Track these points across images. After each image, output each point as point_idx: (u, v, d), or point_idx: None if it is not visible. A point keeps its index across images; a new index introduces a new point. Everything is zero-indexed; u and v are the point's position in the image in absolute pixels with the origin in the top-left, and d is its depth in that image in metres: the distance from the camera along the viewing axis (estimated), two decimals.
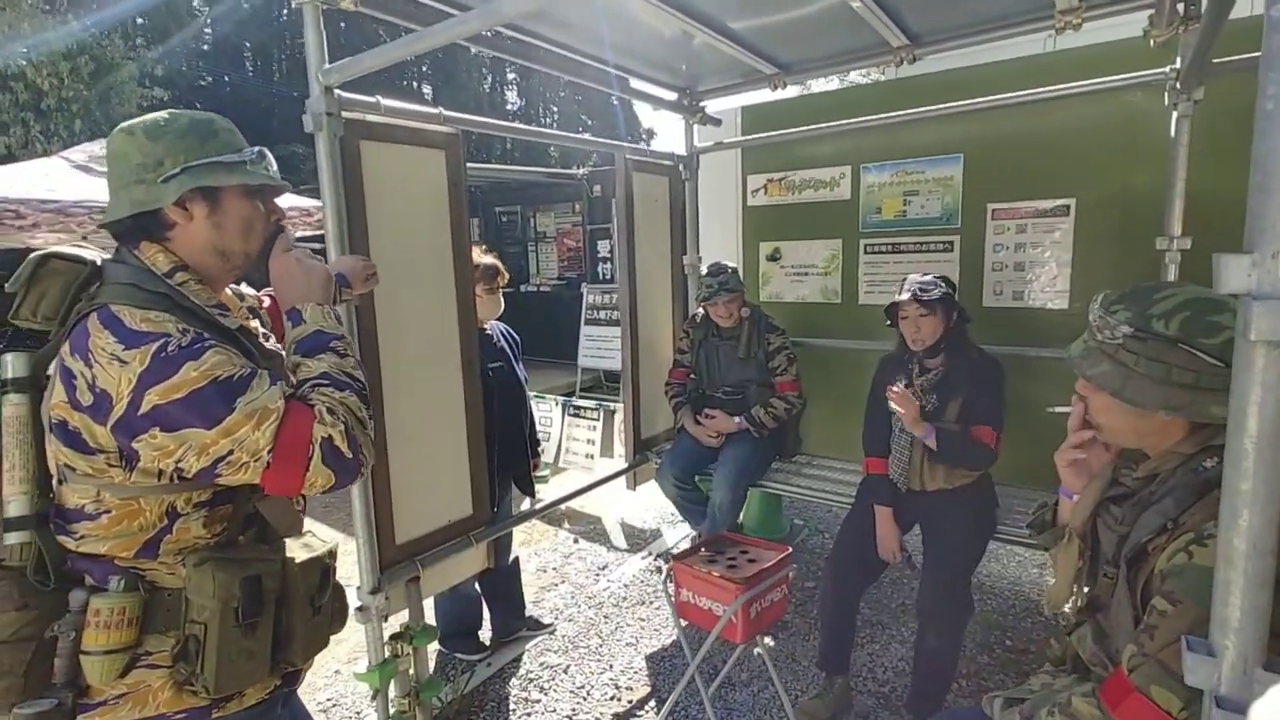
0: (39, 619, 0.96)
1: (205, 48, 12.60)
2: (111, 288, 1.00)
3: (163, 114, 1.09)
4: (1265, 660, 0.78)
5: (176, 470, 0.97)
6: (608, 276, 8.32)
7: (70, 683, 0.96)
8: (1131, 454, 1.21)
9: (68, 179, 4.95)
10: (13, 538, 0.98)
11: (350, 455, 1.01)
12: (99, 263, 1.04)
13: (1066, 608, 1.26)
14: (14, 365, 1.00)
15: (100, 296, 0.99)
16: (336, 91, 1.82)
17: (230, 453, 0.95)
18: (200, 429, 0.93)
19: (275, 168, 1.16)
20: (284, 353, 1.24)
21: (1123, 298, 1.12)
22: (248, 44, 13.63)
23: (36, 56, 6.52)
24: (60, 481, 1.00)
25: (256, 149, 1.13)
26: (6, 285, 1.00)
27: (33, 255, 1.00)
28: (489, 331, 2.66)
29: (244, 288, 1.31)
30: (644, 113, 28.27)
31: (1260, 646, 0.77)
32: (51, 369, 1.00)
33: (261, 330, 1.23)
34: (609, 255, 8.34)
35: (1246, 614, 0.77)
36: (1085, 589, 1.21)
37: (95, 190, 4.85)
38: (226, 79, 13.14)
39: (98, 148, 5.65)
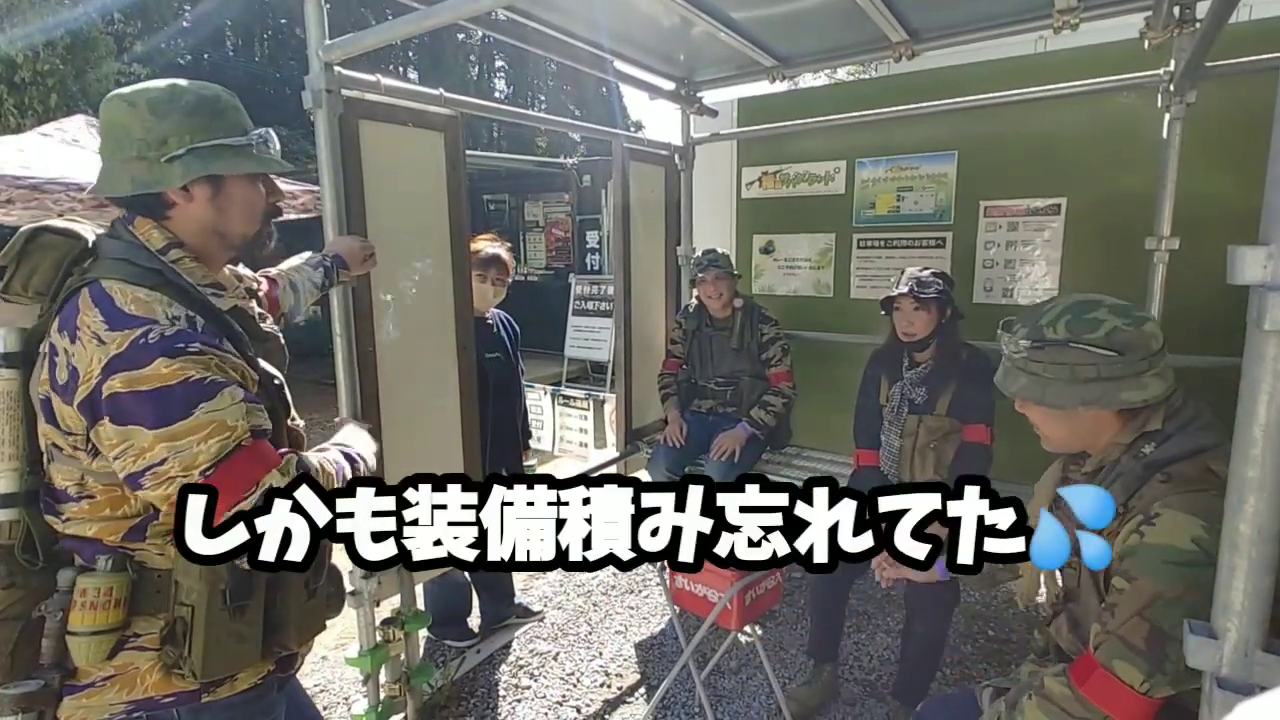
0: (26, 598, 0.94)
1: (185, 24, 12.27)
2: (104, 263, 0.97)
3: (164, 85, 1.02)
4: (1265, 642, 0.80)
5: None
6: (596, 267, 8.29)
7: (57, 664, 0.95)
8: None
9: (43, 155, 4.82)
10: (1, 515, 0.95)
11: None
12: (92, 237, 1.01)
13: (1039, 599, 1.32)
14: (5, 340, 0.98)
15: (93, 271, 0.96)
16: (336, 68, 1.79)
17: (163, 461, 0.88)
18: (145, 429, 0.88)
19: (279, 148, 1.12)
20: (280, 335, 1.22)
21: (1020, 317, 1.24)
22: (229, 22, 13.31)
23: (11, 32, 6.33)
24: (49, 461, 0.98)
25: (261, 131, 1.09)
26: None
27: (24, 228, 0.96)
28: (489, 320, 2.65)
29: (242, 269, 1.29)
30: (633, 105, 28.15)
31: (1262, 629, 0.80)
32: (44, 345, 0.97)
33: (258, 311, 1.20)
34: (598, 246, 8.32)
35: (1250, 597, 0.79)
36: (1059, 581, 1.26)
37: (72, 167, 4.72)
38: (206, 57, 12.82)
39: (70, 124, 5.50)
